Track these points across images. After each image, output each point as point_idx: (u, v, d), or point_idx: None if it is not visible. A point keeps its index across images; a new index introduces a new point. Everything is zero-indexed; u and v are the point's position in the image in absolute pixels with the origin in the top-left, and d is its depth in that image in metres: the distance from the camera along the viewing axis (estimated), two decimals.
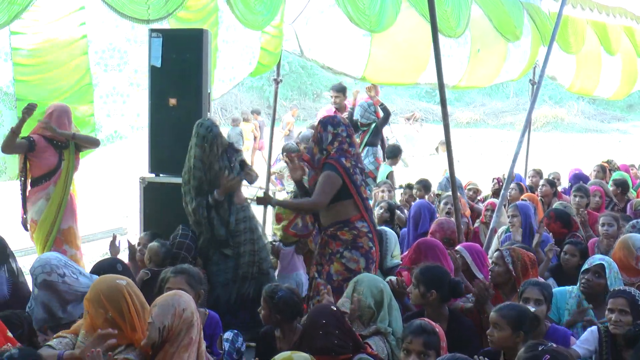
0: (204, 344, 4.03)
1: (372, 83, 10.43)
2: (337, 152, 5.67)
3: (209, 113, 6.60)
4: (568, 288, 5.44)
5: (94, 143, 7.00)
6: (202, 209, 5.97)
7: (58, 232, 6.65)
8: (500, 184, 9.82)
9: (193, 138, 6.02)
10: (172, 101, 6.47)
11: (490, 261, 5.66)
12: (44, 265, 4.63)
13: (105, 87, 7.09)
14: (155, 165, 6.67)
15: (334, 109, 10.34)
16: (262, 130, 19.78)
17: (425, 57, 10.09)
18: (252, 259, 6.15)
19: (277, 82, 9.86)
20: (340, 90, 10.64)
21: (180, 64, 6.44)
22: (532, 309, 4.64)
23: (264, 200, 5.86)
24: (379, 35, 9.65)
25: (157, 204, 6.55)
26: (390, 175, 10.34)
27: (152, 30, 6.61)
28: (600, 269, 5.27)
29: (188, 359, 3.80)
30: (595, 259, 5.43)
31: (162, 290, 4.59)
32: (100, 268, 5.00)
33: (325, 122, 5.79)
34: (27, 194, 6.71)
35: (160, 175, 6.67)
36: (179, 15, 7.00)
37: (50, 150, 6.65)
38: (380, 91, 10.72)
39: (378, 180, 10.07)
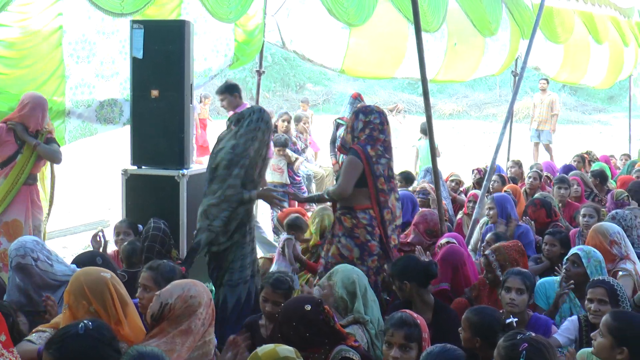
0: (212, 344, 3.95)
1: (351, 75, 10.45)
2: (366, 140, 5.67)
3: (191, 105, 6.58)
4: (556, 277, 5.49)
5: (53, 159, 6.65)
6: (238, 197, 5.54)
7: None
8: (481, 174, 9.86)
9: (260, 123, 5.60)
10: (155, 92, 6.44)
11: (480, 259, 5.69)
12: (18, 248, 4.61)
13: (75, 79, 6.99)
14: (138, 157, 6.65)
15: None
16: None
17: (401, 50, 10.15)
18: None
19: (259, 73, 9.86)
20: (225, 91, 8.41)
21: (162, 55, 6.41)
22: (515, 298, 4.68)
23: (294, 196, 5.89)
24: (357, 28, 9.68)
25: (139, 196, 6.53)
26: None
27: (133, 22, 6.58)
28: (577, 259, 5.33)
29: (181, 345, 3.74)
30: (574, 249, 5.50)
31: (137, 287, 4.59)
32: (79, 261, 4.96)
33: (357, 111, 5.82)
34: None
35: (143, 167, 6.64)
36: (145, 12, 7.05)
37: (11, 142, 6.42)
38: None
39: None
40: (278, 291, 4.73)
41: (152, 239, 5.92)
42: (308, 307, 4.03)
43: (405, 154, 20.69)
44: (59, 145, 6.67)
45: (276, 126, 10.61)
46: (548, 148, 16.20)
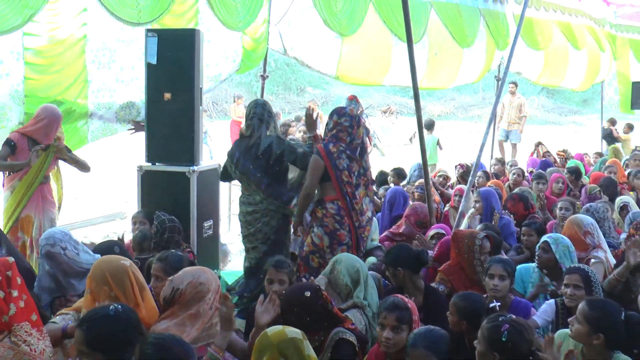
0: (218, 326, 3.88)
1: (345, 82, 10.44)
2: (330, 139, 5.73)
3: (201, 106, 6.58)
4: (532, 264, 5.54)
5: (84, 168, 6.71)
6: None
7: (15, 221, 6.43)
8: (463, 169, 9.90)
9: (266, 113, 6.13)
10: (167, 95, 6.42)
11: None
12: (48, 238, 4.61)
13: (97, 83, 7.03)
14: (152, 154, 6.63)
15: None
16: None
17: (387, 60, 10.12)
18: None
19: (263, 77, 9.84)
20: None
21: (174, 61, 6.39)
22: (498, 284, 4.69)
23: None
24: (348, 37, 9.69)
25: (153, 190, 6.53)
26: None
27: (148, 30, 6.57)
28: (546, 246, 5.36)
29: (191, 327, 3.77)
30: (544, 237, 5.53)
31: (150, 275, 4.63)
32: (99, 250, 4.96)
33: (333, 112, 5.90)
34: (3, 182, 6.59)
35: (157, 163, 6.63)
36: (162, 21, 7.06)
37: (27, 150, 6.37)
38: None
39: None
40: (281, 270, 4.73)
41: (171, 230, 5.91)
42: (308, 294, 4.04)
43: (399, 151, 20.78)
44: (71, 151, 6.68)
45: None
46: (514, 147, 15.84)
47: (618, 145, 15.99)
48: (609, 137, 16.60)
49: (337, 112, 5.85)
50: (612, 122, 16.98)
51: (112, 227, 10.33)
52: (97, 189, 12.96)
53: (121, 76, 7.25)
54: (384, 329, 3.89)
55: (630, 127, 16.87)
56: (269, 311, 3.95)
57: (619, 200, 8.06)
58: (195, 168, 6.41)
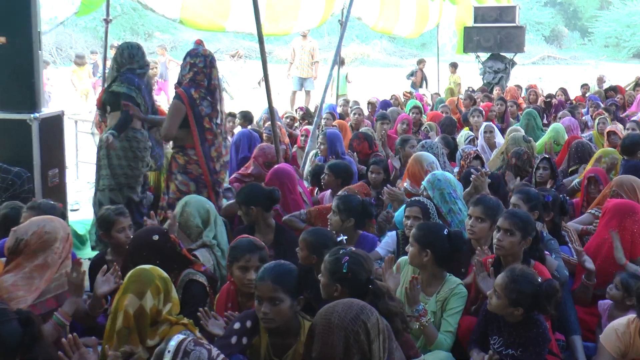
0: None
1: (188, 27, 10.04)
2: (189, 83, 5.59)
3: (40, 51, 6.18)
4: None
5: None
6: None
7: None
8: (303, 111, 10.04)
9: None
10: (1, 39, 5.99)
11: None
12: None
13: None
14: None
15: None
16: None
17: (227, 4, 9.86)
18: None
19: (107, 22, 9.37)
20: None
21: (7, 2, 5.94)
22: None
23: None
24: None
25: None
26: None
27: None
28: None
29: (39, 279, 3.64)
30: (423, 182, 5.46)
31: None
32: None
33: (186, 54, 5.74)
34: None
35: None
36: None
37: None
38: None
39: None
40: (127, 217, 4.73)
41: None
42: (156, 237, 3.98)
43: (247, 95, 20.64)
44: None
45: None
46: (308, 94, 15.37)
47: (452, 85, 16.75)
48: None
49: (190, 54, 5.71)
50: (421, 62, 18.07)
51: None
52: None
53: None
54: (248, 271, 3.89)
55: (454, 67, 17.66)
56: (109, 282, 3.83)
57: (465, 133, 8.59)
58: (37, 115, 6.04)
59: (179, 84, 5.73)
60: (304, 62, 15.17)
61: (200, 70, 5.63)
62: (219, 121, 5.73)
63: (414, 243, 4.08)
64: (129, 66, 6.02)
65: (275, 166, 6.16)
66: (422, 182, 5.46)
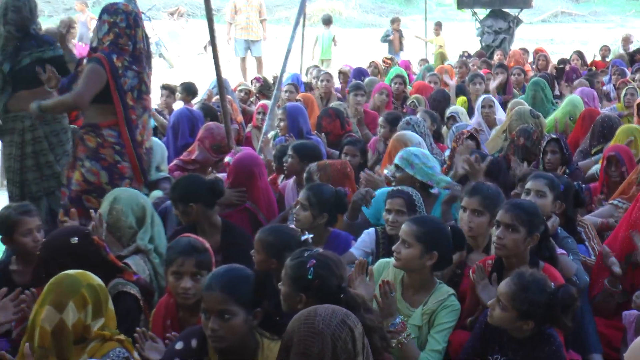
0: None
1: None
2: (110, 47, 5.45)
3: None
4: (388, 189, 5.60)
5: None
6: None
7: None
8: (260, 82, 9.93)
9: None
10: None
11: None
12: None
13: None
14: None
15: None
16: None
17: None
18: None
19: None
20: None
21: None
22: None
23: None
24: None
25: None
26: None
27: None
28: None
29: None
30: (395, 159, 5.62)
31: None
32: None
33: (102, 10, 5.57)
34: None
35: None
36: None
37: None
38: None
39: None
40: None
41: None
42: (75, 240, 3.95)
43: (191, 62, 20.47)
44: None
45: None
46: (259, 62, 15.23)
47: (443, 49, 16.80)
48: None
49: (108, 10, 5.53)
50: (395, 21, 18.24)
51: None
52: None
53: None
54: (182, 278, 3.88)
55: (439, 26, 17.76)
56: (5, 310, 3.80)
57: (448, 110, 8.60)
58: None
59: (93, 49, 5.60)
60: (251, 20, 14.81)
61: (122, 32, 5.48)
62: (145, 96, 5.63)
63: (414, 243, 4.01)
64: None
65: (239, 154, 6.06)
66: (395, 161, 5.51)
